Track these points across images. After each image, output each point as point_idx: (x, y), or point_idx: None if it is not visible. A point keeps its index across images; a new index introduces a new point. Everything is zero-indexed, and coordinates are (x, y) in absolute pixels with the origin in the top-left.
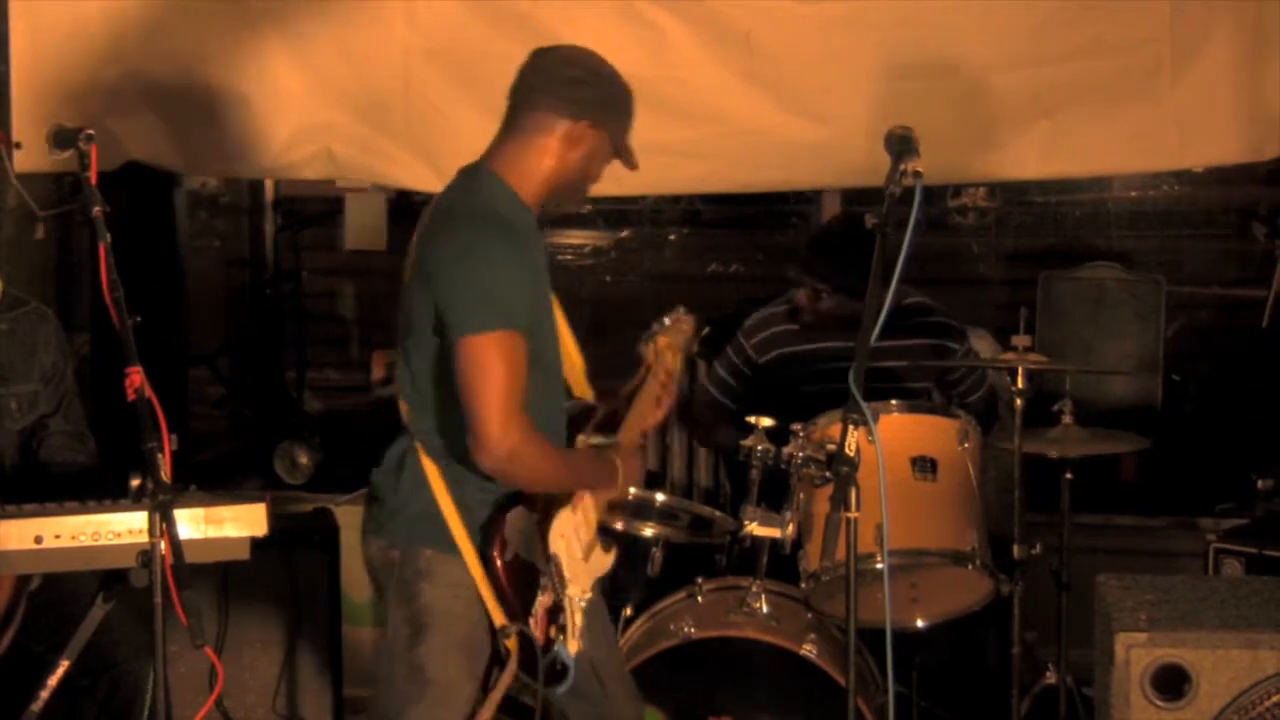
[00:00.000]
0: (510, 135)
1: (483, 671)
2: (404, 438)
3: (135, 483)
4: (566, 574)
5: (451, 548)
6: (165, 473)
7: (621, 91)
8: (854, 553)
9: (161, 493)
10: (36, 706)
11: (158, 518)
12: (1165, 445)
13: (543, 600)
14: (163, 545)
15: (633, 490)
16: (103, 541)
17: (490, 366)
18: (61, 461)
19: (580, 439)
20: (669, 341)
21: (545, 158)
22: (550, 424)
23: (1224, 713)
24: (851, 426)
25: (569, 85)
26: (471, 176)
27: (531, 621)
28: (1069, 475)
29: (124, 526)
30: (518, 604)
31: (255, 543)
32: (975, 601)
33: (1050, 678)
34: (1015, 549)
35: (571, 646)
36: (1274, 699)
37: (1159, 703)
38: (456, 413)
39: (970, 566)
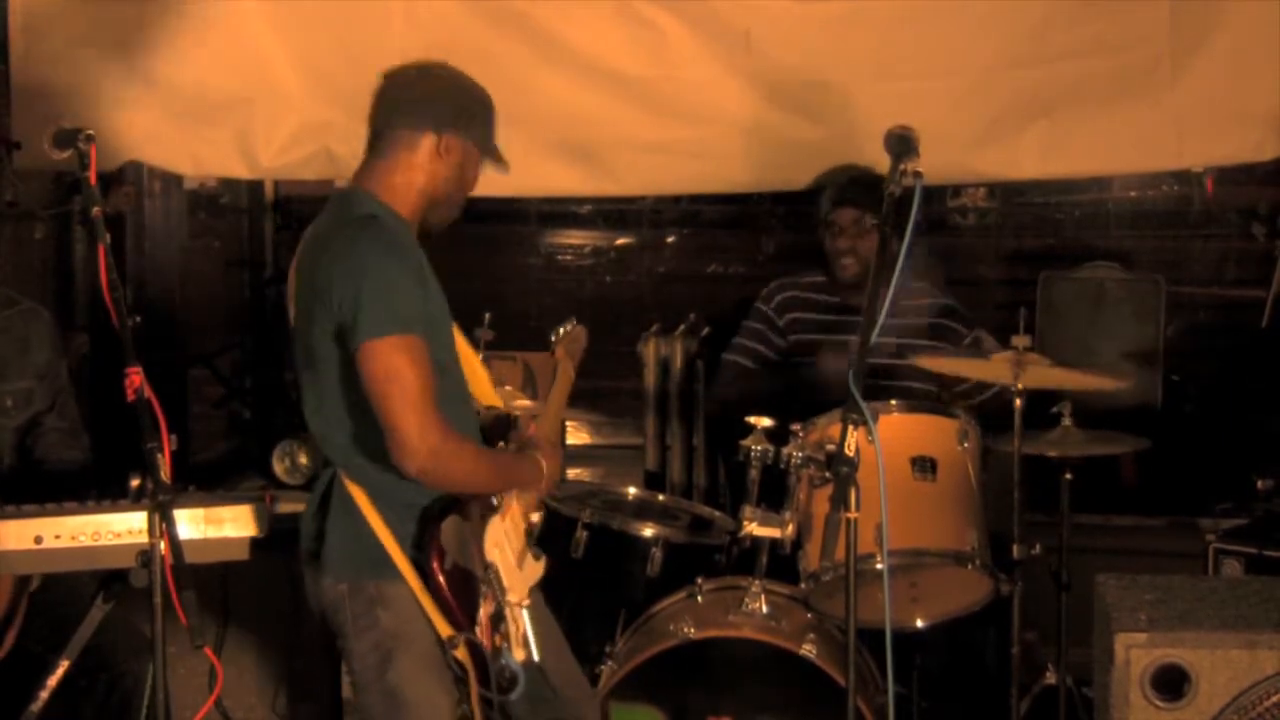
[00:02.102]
0: (378, 157)
1: (452, 685)
2: (324, 471)
3: (135, 483)
4: (505, 581)
5: (394, 572)
6: (165, 473)
7: (479, 98)
8: (853, 553)
9: (161, 493)
10: (36, 707)
11: (157, 518)
12: (1165, 445)
13: (485, 608)
14: (162, 545)
15: (632, 490)
16: (102, 542)
17: (398, 369)
18: (56, 459)
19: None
20: (564, 350)
21: (415, 174)
22: (460, 428)
23: (1223, 713)
24: (851, 426)
25: (425, 101)
26: (347, 198)
27: (478, 630)
28: (1068, 475)
29: (124, 527)
30: (461, 613)
31: (255, 543)
32: (975, 601)
33: (1050, 678)
34: (1015, 549)
35: (518, 654)
36: (1273, 699)
37: (1158, 703)
38: (370, 426)
39: (970, 566)
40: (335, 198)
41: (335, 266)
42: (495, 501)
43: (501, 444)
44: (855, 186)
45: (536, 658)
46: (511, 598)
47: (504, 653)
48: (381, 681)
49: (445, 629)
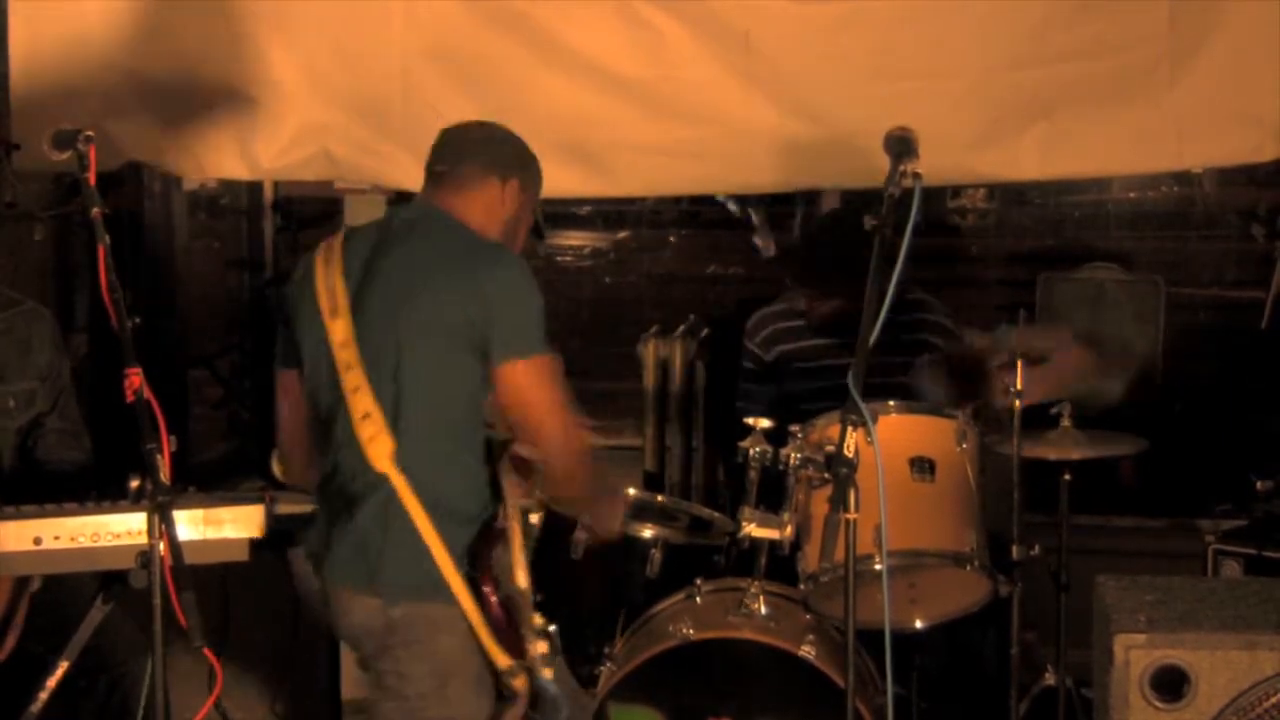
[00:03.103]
0: (452, 191)
1: (494, 703)
2: (379, 484)
3: (134, 484)
4: (529, 604)
5: (451, 598)
6: (164, 474)
7: (532, 160)
8: (852, 554)
9: (160, 494)
10: (36, 707)
11: (157, 519)
12: (1164, 446)
13: (527, 634)
14: (162, 546)
15: (632, 490)
16: (102, 543)
17: (556, 381)
18: (58, 460)
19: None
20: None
21: (486, 212)
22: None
23: (1223, 713)
24: (850, 427)
25: (496, 145)
26: (436, 217)
27: (529, 656)
28: (1067, 476)
29: (123, 528)
30: (515, 642)
31: (254, 544)
32: (974, 602)
33: (1049, 679)
34: (1014, 550)
35: (546, 674)
36: (1273, 700)
37: (1158, 704)
38: (450, 437)
39: (969, 567)
40: (414, 216)
41: (492, 284)
42: (502, 526)
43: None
44: (811, 263)
45: (551, 681)
46: (537, 619)
47: (538, 676)
48: (440, 704)
49: (503, 659)
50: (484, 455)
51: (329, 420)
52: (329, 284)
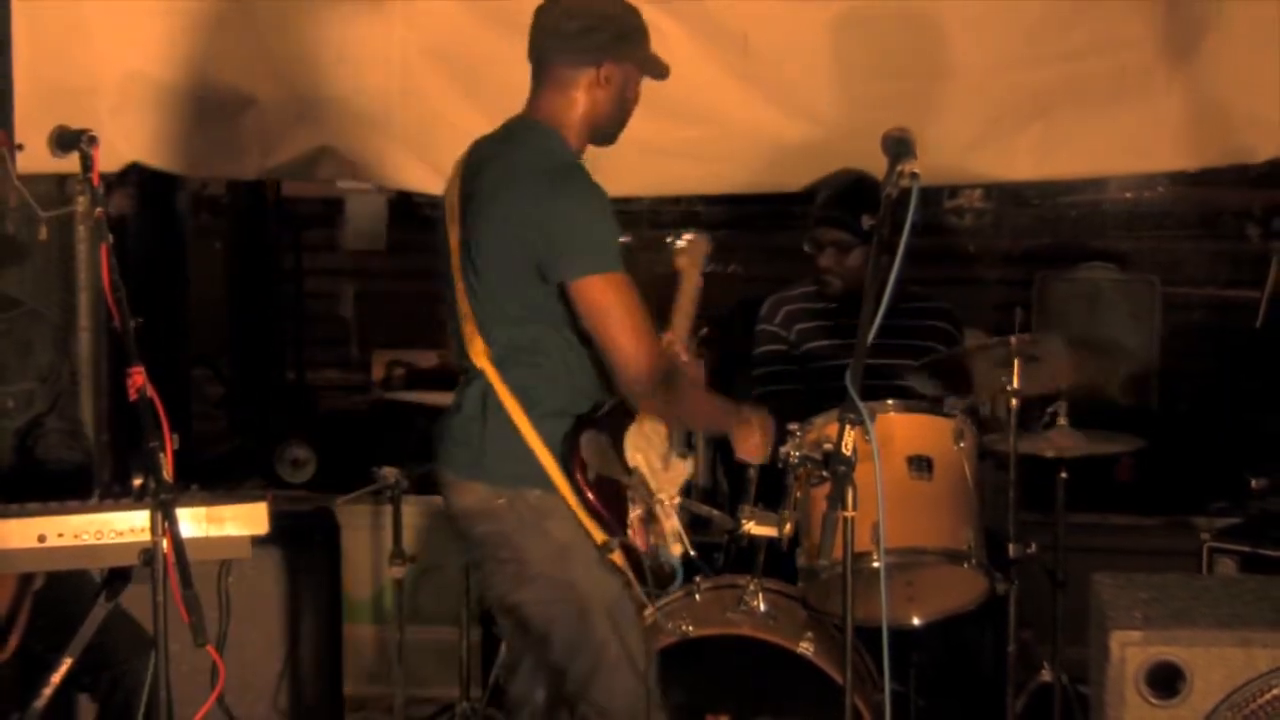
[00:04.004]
0: (542, 90)
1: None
2: (477, 379)
3: (137, 482)
4: (651, 483)
5: (549, 484)
6: (167, 472)
7: (629, 19)
8: (850, 551)
9: (163, 492)
10: (40, 704)
11: (160, 516)
12: (1160, 445)
13: (635, 512)
14: (165, 544)
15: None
16: (105, 540)
17: (624, 303)
18: (57, 459)
19: None
20: (687, 260)
21: (578, 107)
22: (582, 384)
23: (1218, 710)
24: (848, 426)
25: (579, 36)
26: (529, 129)
27: (630, 533)
28: (1064, 474)
29: (126, 525)
30: (611, 519)
31: (256, 541)
32: (971, 600)
33: (1045, 675)
34: (1010, 548)
35: (674, 549)
36: (1267, 696)
37: (1153, 700)
38: (528, 346)
39: (966, 565)
40: (514, 127)
41: (550, 205)
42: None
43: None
44: (840, 205)
45: (692, 552)
46: (662, 497)
47: (660, 550)
48: (565, 578)
49: (599, 535)
50: (573, 356)
51: (452, 318)
52: (451, 190)
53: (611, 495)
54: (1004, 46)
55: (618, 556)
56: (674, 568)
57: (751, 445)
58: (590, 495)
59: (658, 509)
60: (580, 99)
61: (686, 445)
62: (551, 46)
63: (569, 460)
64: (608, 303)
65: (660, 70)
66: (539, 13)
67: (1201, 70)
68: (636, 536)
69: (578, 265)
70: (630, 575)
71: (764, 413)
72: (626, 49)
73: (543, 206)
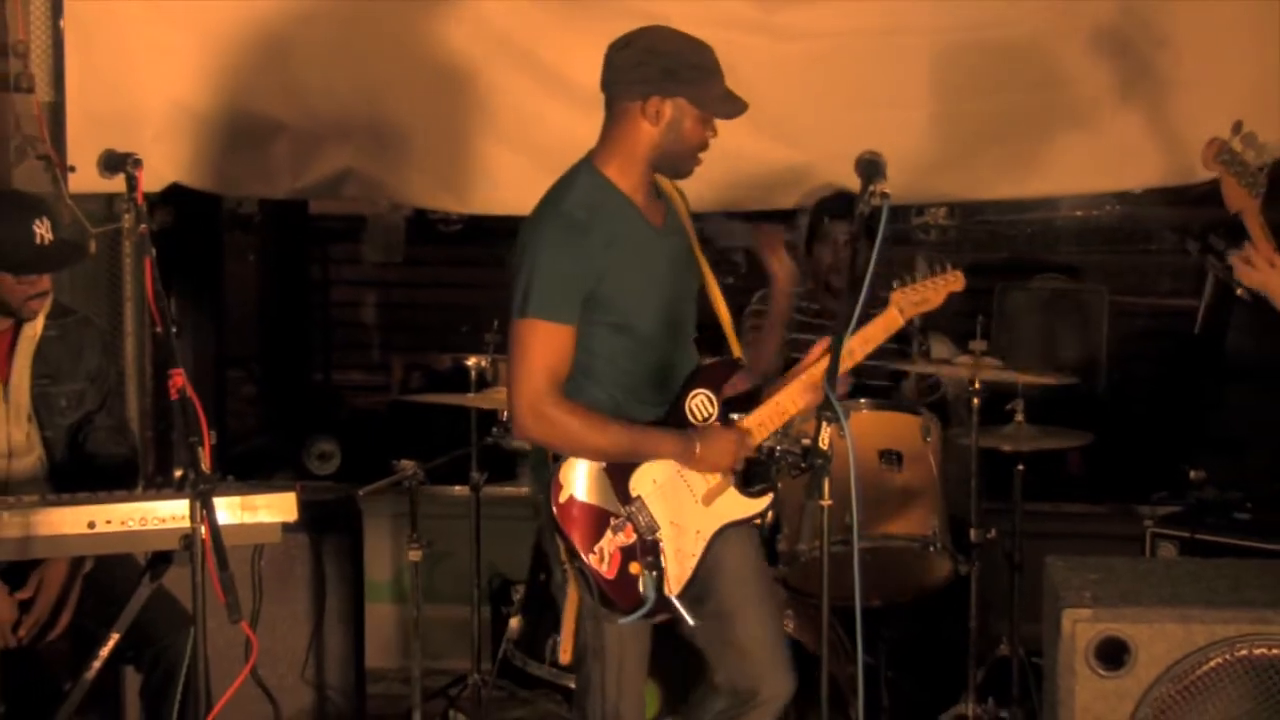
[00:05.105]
0: (604, 129)
1: None
2: None
3: (178, 473)
4: (657, 516)
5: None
6: (205, 464)
7: (685, 56)
8: (827, 536)
9: (202, 482)
10: (89, 675)
11: (198, 505)
12: (1107, 440)
13: (615, 539)
14: (203, 530)
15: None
16: (149, 526)
17: (518, 349)
18: (105, 453)
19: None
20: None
21: (628, 140)
22: (630, 387)
23: (1159, 680)
24: (825, 422)
25: (631, 69)
26: (566, 174)
27: (593, 558)
28: (1021, 467)
29: (168, 513)
30: (572, 542)
31: (286, 527)
32: (937, 581)
33: (1004, 649)
34: (973, 533)
35: (670, 587)
36: (1204, 668)
37: (1101, 672)
38: None
39: (932, 549)
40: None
41: (516, 244)
42: None
43: (700, 392)
44: (845, 201)
45: (675, 591)
46: (666, 531)
47: (642, 579)
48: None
49: (561, 555)
50: (588, 379)
51: None
52: None
53: (581, 519)
54: (966, 78)
55: (570, 575)
56: (644, 599)
57: (706, 468)
58: (557, 516)
59: (659, 543)
60: (630, 132)
61: (764, 481)
62: (608, 80)
63: (549, 481)
64: (510, 346)
65: (725, 110)
66: (608, 49)
67: (1145, 100)
68: (601, 563)
69: (512, 302)
70: (572, 594)
71: (716, 437)
72: (674, 85)
73: (516, 246)
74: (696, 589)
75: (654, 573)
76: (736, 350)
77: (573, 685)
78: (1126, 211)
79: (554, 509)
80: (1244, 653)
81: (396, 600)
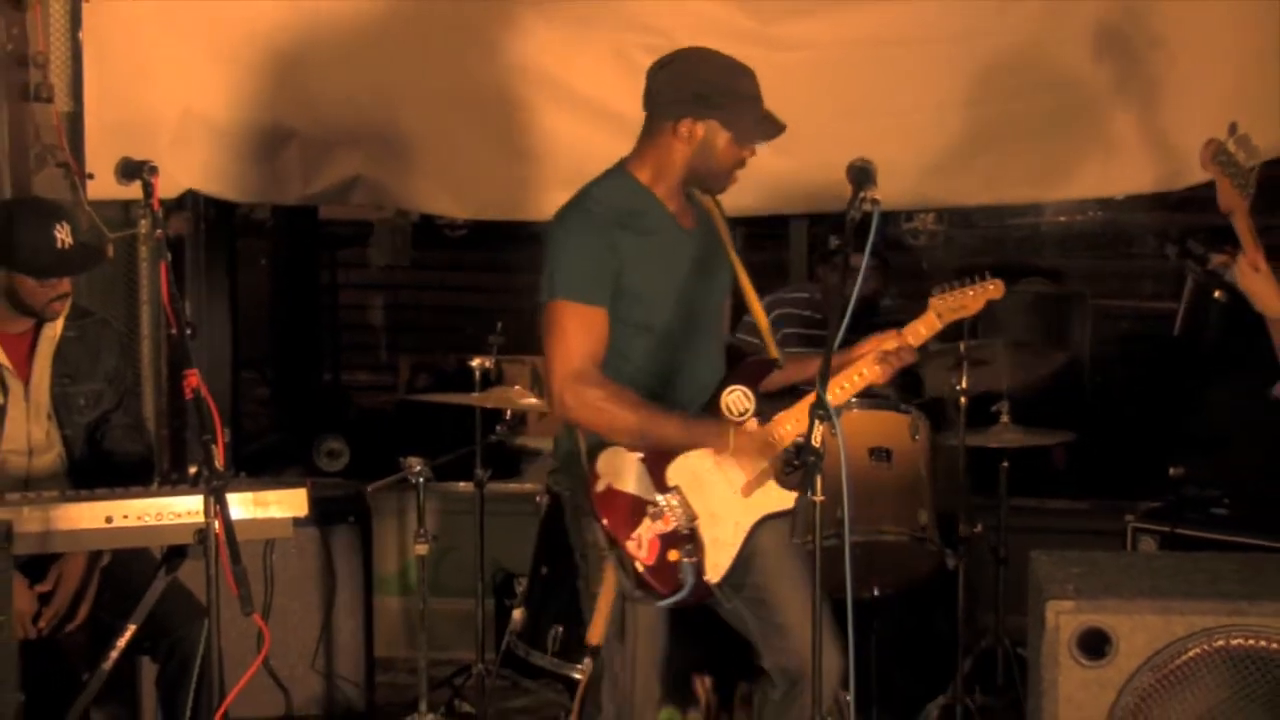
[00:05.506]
0: (641, 141)
1: None
2: None
3: (192, 470)
4: (695, 506)
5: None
6: (218, 462)
7: (719, 82)
8: (819, 530)
9: (215, 479)
10: (107, 665)
11: (212, 501)
12: (1090, 438)
13: (654, 526)
14: (216, 525)
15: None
16: (164, 521)
17: (552, 331)
18: (122, 451)
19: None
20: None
21: (659, 155)
22: (657, 382)
23: (1140, 670)
24: (817, 421)
25: (667, 90)
26: (598, 176)
27: (631, 545)
28: (1006, 464)
29: (183, 508)
30: (609, 529)
31: (296, 522)
32: (926, 574)
33: (990, 640)
34: (960, 528)
35: (708, 574)
36: (1183, 658)
37: (1084, 662)
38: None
39: (921, 543)
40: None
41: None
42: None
43: (737, 388)
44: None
45: (714, 579)
46: (703, 520)
47: (682, 564)
48: (587, 579)
49: (600, 542)
50: (627, 366)
51: None
52: None
53: (616, 507)
54: (954, 88)
55: (608, 562)
56: (682, 584)
57: (740, 459)
58: (594, 504)
59: (696, 531)
60: (663, 148)
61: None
62: (645, 98)
63: (589, 470)
64: (544, 330)
65: (758, 133)
66: (650, 69)
67: (1128, 109)
68: (639, 550)
69: (540, 289)
70: (608, 579)
71: (750, 430)
72: (706, 108)
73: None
74: (736, 577)
75: (692, 560)
76: (773, 352)
77: (574, 675)
78: (1108, 217)
79: (592, 498)
80: (1221, 643)
81: (403, 593)
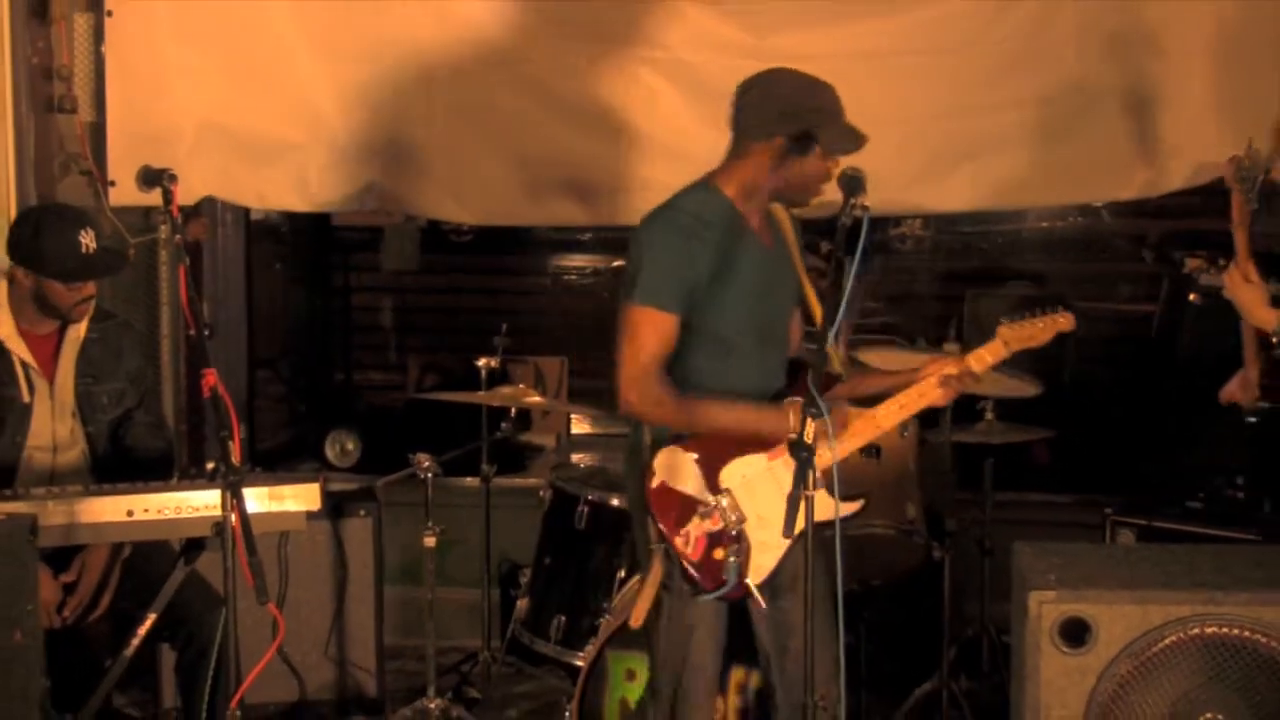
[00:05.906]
0: (729, 157)
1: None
2: None
3: (210, 466)
4: (744, 509)
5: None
6: (235, 457)
7: (803, 98)
8: (811, 524)
9: (232, 474)
10: (128, 652)
11: (229, 495)
12: (1071, 435)
13: (702, 524)
14: (233, 518)
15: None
16: (183, 515)
17: (626, 331)
18: (143, 447)
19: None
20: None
21: (750, 173)
22: (721, 390)
23: (1118, 657)
24: (809, 418)
25: (753, 110)
26: (686, 187)
27: (679, 540)
28: (990, 460)
29: (201, 502)
30: (659, 525)
31: (310, 516)
32: (913, 565)
33: (975, 628)
34: (947, 521)
35: (750, 575)
36: (1160, 645)
37: (1065, 649)
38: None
39: (909, 536)
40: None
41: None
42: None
43: (798, 401)
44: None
45: (756, 581)
46: (753, 523)
47: (728, 562)
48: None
49: (651, 536)
50: (690, 371)
51: None
52: None
53: (669, 504)
54: (942, 99)
55: (655, 556)
56: (725, 581)
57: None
58: (648, 499)
59: (743, 533)
60: (752, 166)
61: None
62: (732, 119)
63: (644, 467)
64: (620, 328)
65: (841, 147)
66: (738, 87)
67: (1108, 118)
68: (685, 545)
69: (622, 289)
70: (654, 571)
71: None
72: (783, 128)
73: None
74: (775, 585)
75: (737, 559)
76: (836, 365)
77: (576, 662)
78: (1088, 223)
79: (646, 493)
80: (1196, 631)
81: (412, 583)
